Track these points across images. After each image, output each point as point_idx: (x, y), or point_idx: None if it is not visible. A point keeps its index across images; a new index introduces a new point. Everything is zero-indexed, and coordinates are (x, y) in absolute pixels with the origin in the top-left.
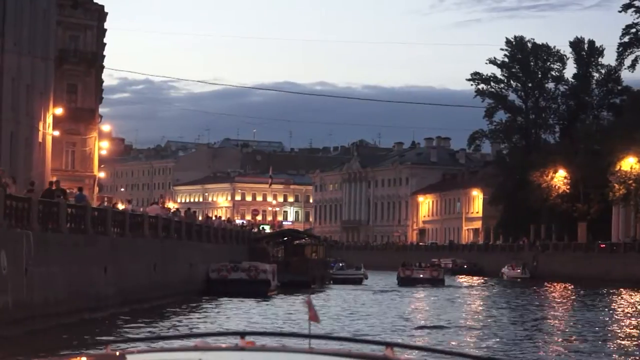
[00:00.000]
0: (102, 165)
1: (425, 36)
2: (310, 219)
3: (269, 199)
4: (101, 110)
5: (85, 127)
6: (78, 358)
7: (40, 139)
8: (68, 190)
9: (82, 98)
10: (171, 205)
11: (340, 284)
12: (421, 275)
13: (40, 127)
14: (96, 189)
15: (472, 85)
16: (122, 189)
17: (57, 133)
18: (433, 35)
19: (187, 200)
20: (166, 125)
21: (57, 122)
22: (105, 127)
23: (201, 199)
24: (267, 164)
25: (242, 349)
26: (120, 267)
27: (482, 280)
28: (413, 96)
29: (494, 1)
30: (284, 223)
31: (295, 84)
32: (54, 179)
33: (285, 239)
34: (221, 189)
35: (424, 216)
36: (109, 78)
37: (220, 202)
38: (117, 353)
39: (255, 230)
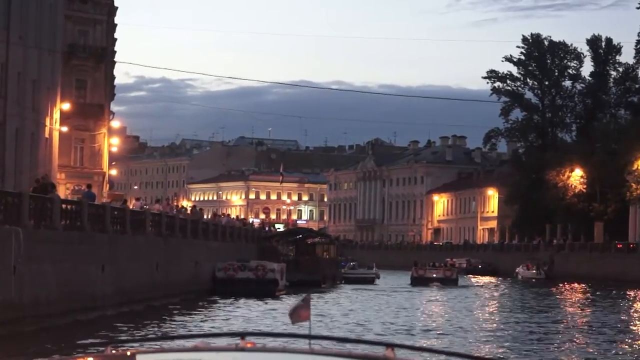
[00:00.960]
0: (114, 163)
1: (442, 35)
2: (325, 218)
3: (284, 197)
4: (116, 108)
5: (94, 123)
6: (78, 358)
7: (46, 135)
8: (76, 187)
9: (91, 93)
10: (185, 204)
11: (352, 283)
12: (434, 275)
13: (47, 123)
14: (106, 186)
15: (488, 83)
16: (136, 187)
17: (65, 129)
18: (449, 35)
19: (201, 199)
20: (182, 124)
21: (66, 118)
22: (115, 124)
23: (215, 198)
24: (281, 163)
25: (242, 349)
26: (119, 266)
27: (497, 281)
28: (429, 95)
29: (510, 0)
30: (298, 222)
31: (312, 82)
32: (63, 175)
33: (296, 237)
34: (235, 188)
35: (439, 215)
36: (125, 76)
37: (235, 201)
38: (117, 354)
39: (268, 229)
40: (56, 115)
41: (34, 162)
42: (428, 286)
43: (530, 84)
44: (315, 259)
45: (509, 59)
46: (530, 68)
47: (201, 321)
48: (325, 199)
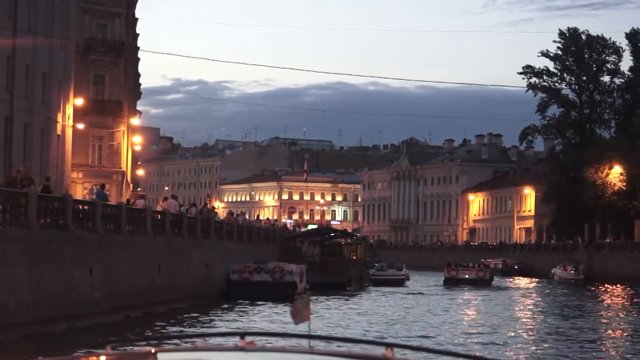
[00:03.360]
0: (139, 163)
1: (478, 35)
2: (359, 218)
3: (317, 197)
4: (153, 111)
5: (112, 121)
6: (79, 357)
7: (59, 132)
8: (94, 187)
9: (110, 90)
10: (217, 205)
11: (380, 285)
12: (467, 276)
13: (59, 119)
14: (130, 186)
15: (523, 79)
16: (167, 188)
17: (81, 126)
18: (486, 35)
19: (234, 200)
20: (218, 126)
21: (83, 114)
22: (135, 121)
23: (248, 198)
24: (315, 163)
25: (242, 349)
26: (112, 268)
27: (533, 282)
28: (466, 95)
29: (546, 0)
30: (332, 223)
31: (348, 84)
32: (80, 174)
33: (322, 237)
34: (268, 188)
35: (475, 215)
36: (162, 79)
37: (267, 202)
38: (117, 354)
39: (293, 229)
40: (69, 111)
41: (45, 159)
42: (460, 287)
43: (567, 80)
44: (341, 260)
45: (545, 54)
46: (567, 63)
47: (200, 326)
48: (359, 199)
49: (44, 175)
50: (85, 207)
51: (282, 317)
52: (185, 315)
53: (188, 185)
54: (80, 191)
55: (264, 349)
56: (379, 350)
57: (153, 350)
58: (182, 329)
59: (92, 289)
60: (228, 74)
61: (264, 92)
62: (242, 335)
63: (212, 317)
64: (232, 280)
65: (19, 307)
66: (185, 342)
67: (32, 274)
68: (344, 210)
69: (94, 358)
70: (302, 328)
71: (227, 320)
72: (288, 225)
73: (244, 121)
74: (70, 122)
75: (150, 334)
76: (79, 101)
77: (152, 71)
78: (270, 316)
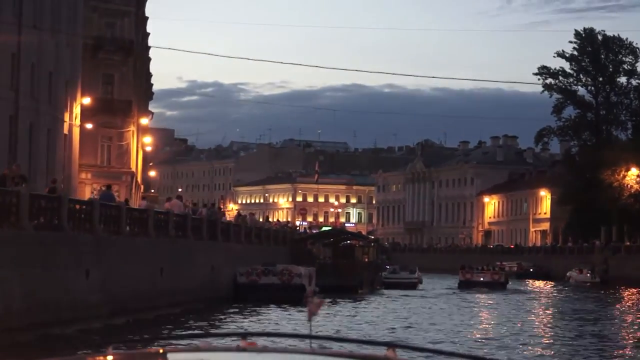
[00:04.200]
0: (151, 164)
1: (494, 38)
2: (373, 221)
3: (331, 200)
4: (169, 113)
5: (122, 120)
6: (79, 357)
7: (65, 131)
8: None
9: (119, 89)
10: (231, 207)
11: (392, 288)
12: (481, 279)
13: (66, 118)
14: (141, 187)
15: (539, 79)
16: (180, 190)
17: (90, 126)
18: (501, 37)
19: (248, 202)
20: (234, 128)
21: (91, 114)
22: (144, 121)
23: (262, 200)
24: (330, 164)
25: (243, 349)
26: (110, 271)
27: (548, 285)
28: (481, 98)
29: (563, 2)
30: (346, 225)
31: (363, 85)
32: (89, 175)
33: (333, 239)
34: (282, 190)
35: (490, 217)
36: (177, 81)
37: (281, 204)
38: (118, 354)
39: (304, 231)
40: (76, 110)
41: (51, 160)
42: (475, 290)
43: (583, 80)
44: (352, 262)
45: (561, 55)
46: (583, 64)
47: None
48: (374, 201)
49: (51, 177)
50: (82, 207)
51: (288, 321)
52: (189, 319)
53: (202, 187)
54: (89, 192)
55: (265, 350)
56: (381, 351)
57: (161, 351)
58: (182, 330)
59: (88, 293)
60: (243, 76)
61: (279, 94)
62: (244, 335)
63: (214, 321)
64: (239, 283)
65: (8, 312)
66: (186, 343)
67: (22, 277)
68: (359, 213)
69: (101, 358)
70: (303, 328)
71: (230, 324)
72: (302, 228)
73: (259, 123)
74: (78, 122)
75: (148, 336)
76: (87, 100)
77: (167, 73)
78: (279, 320)
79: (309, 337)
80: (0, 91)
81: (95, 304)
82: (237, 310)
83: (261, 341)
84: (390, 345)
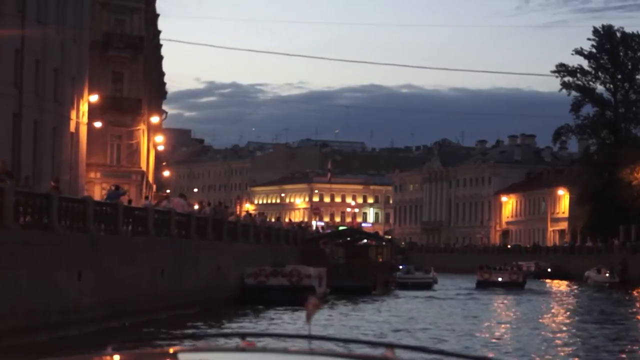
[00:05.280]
0: (164, 163)
1: (511, 38)
2: (390, 221)
3: (348, 200)
4: (187, 114)
5: (131, 119)
6: (79, 357)
7: (72, 129)
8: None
9: (129, 87)
10: (248, 207)
11: (407, 289)
12: (500, 279)
13: (73, 116)
14: (152, 187)
15: (557, 77)
16: (195, 190)
17: (99, 124)
18: (519, 37)
19: (264, 202)
20: (250, 128)
21: (101, 112)
22: (155, 119)
23: (278, 200)
24: (347, 164)
25: (242, 350)
26: (105, 272)
27: (567, 285)
28: (499, 98)
29: (580, 2)
30: (363, 225)
31: (381, 86)
32: (98, 174)
33: (347, 239)
34: (299, 190)
35: (507, 217)
36: (195, 82)
37: (298, 204)
38: (117, 354)
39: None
40: (83, 108)
41: (57, 158)
42: (493, 290)
43: (602, 78)
44: (366, 262)
45: (579, 52)
46: (602, 61)
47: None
48: (391, 201)
49: (54, 176)
50: (75, 206)
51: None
52: (191, 322)
53: (218, 187)
54: (98, 192)
55: (264, 350)
56: (379, 351)
57: (160, 351)
58: (182, 331)
59: (80, 295)
60: (261, 76)
61: (298, 95)
62: (243, 335)
63: (217, 323)
64: (246, 285)
65: None
66: (186, 343)
67: (6, 279)
68: (376, 213)
69: (100, 358)
70: (302, 328)
71: (233, 326)
72: (319, 228)
73: (276, 123)
74: (85, 120)
75: (146, 337)
76: (94, 97)
77: (185, 74)
78: (285, 323)
79: (308, 337)
80: (3, 88)
81: (88, 307)
82: (244, 312)
83: (260, 341)
84: (389, 345)
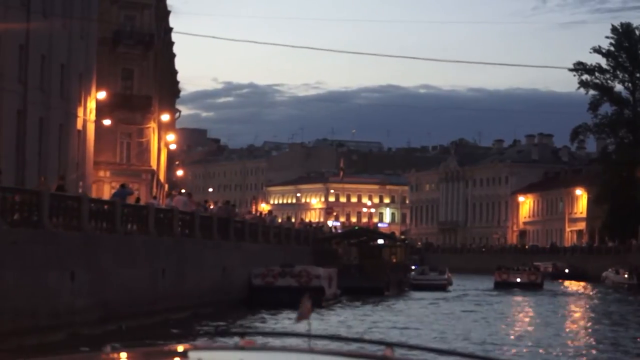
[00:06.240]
0: (177, 162)
1: (529, 38)
2: (407, 221)
3: (364, 200)
4: (204, 114)
5: (141, 116)
6: (78, 357)
7: (79, 127)
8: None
9: (139, 84)
10: (263, 207)
11: (420, 290)
12: (518, 280)
13: (80, 113)
14: (163, 186)
15: (575, 76)
16: (210, 190)
17: (108, 122)
18: (536, 37)
19: (280, 202)
20: (269, 129)
21: (110, 110)
22: (165, 117)
23: (294, 200)
24: (363, 164)
25: (242, 348)
26: (101, 272)
27: (585, 286)
28: (516, 98)
29: (598, 2)
30: (379, 225)
31: (399, 86)
32: (107, 173)
33: (360, 239)
34: (315, 190)
35: (525, 217)
36: (213, 82)
37: (314, 204)
38: (116, 353)
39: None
40: (91, 105)
41: (64, 156)
42: (511, 291)
43: (620, 77)
44: (379, 263)
45: (597, 50)
46: (620, 59)
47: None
48: (407, 201)
49: (59, 174)
50: (69, 203)
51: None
52: (194, 324)
53: (234, 187)
54: (107, 190)
55: (264, 348)
56: (379, 350)
57: (159, 349)
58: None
59: (73, 296)
60: (279, 77)
61: (315, 95)
62: (242, 334)
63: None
64: (254, 286)
65: None
66: (186, 342)
67: None
68: (392, 213)
69: (100, 357)
70: (302, 327)
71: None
72: (334, 228)
73: (293, 123)
74: (93, 117)
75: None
76: (102, 94)
77: (203, 75)
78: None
79: (308, 336)
80: (7, 84)
81: (81, 309)
82: (249, 314)
83: (260, 340)
84: (389, 344)
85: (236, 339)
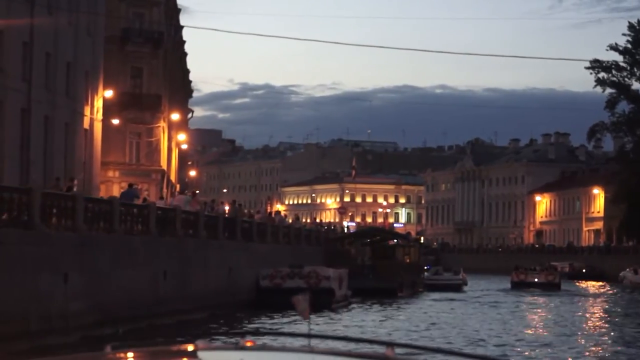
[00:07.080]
0: (190, 162)
1: (545, 37)
2: (422, 221)
3: (380, 200)
4: (220, 115)
5: (151, 116)
6: (78, 357)
7: (86, 126)
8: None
9: (148, 83)
10: (279, 207)
11: (435, 290)
12: (535, 280)
13: (87, 112)
14: (175, 186)
15: (591, 74)
16: (225, 190)
17: (117, 121)
18: (552, 37)
19: (295, 202)
20: (283, 129)
21: (119, 109)
22: (175, 116)
23: (309, 201)
24: (378, 164)
25: (242, 348)
26: (97, 274)
27: (603, 286)
28: (533, 98)
29: (614, 1)
30: (395, 225)
31: (415, 87)
32: (117, 173)
33: (373, 239)
34: (330, 190)
35: (541, 217)
36: (229, 83)
37: (329, 204)
38: (116, 353)
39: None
40: (98, 104)
41: (70, 156)
42: (528, 292)
43: (637, 74)
44: (392, 263)
45: (614, 48)
46: (637, 57)
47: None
48: (423, 201)
49: (69, 176)
50: (62, 202)
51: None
52: (197, 327)
53: (248, 188)
54: (116, 191)
55: (264, 348)
56: (380, 350)
57: (159, 349)
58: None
59: (67, 300)
60: (295, 78)
61: (331, 96)
62: (242, 334)
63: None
64: (262, 287)
65: None
66: (186, 342)
67: None
68: (408, 213)
69: (100, 357)
70: (302, 327)
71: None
72: (351, 228)
73: (309, 124)
74: (100, 116)
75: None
76: (109, 93)
77: (219, 75)
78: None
79: (308, 335)
80: (11, 82)
81: (75, 312)
82: (256, 316)
83: (260, 340)
84: (390, 344)
85: (236, 339)
